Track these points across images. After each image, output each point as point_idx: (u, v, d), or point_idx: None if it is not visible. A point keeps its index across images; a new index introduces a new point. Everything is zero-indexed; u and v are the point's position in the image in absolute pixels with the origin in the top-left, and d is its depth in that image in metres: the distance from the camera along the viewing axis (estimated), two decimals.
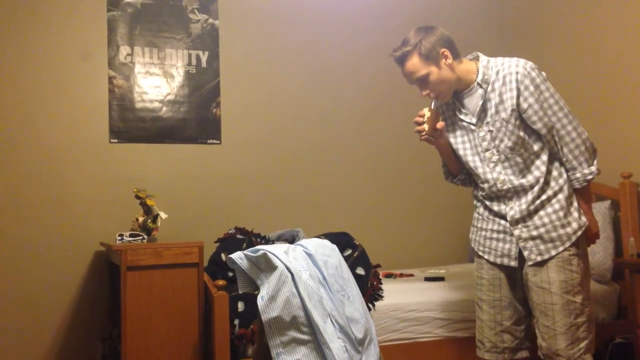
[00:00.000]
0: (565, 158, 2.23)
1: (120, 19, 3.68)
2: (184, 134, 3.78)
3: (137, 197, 3.17)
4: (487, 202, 2.35)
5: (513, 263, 2.28)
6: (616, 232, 3.41)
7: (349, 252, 3.16)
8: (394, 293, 3.06)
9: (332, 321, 2.52)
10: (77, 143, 3.56)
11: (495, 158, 2.28)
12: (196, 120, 3.81)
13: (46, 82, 3.53)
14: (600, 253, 3.36)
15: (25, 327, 3.38)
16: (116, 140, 3.64)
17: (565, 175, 2.25)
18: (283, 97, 4.02)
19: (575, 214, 2.23)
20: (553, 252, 2.21)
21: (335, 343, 2.46)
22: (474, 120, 2.29)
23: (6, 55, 3.46)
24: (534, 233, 2.24)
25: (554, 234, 2.21)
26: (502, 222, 2.31)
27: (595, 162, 2.24)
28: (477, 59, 2.32)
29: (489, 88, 2.25)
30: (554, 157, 2.26)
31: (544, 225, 2.22)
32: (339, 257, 2.84)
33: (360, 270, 3.09)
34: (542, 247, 2.23)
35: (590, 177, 2.23)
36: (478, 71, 2.28)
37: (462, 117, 2.33)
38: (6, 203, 3.41)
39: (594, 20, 3.73)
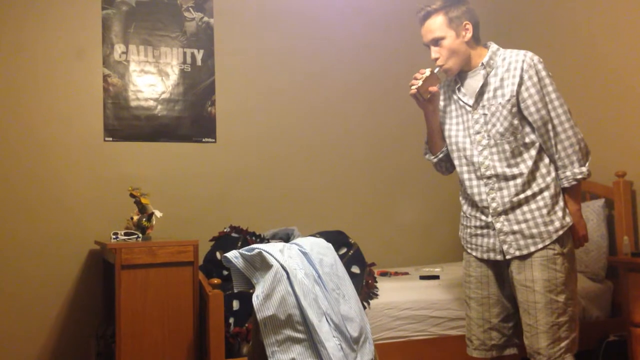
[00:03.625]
0: (557, 155, 2.23)
1: (115, 17, 3.67)
2: (179, 132, 3.77)
3: (132, 195, 3.16)
4: (469, 192, 2.34)
5: (499, 257, 2.29)
6: (610, 231, 3.42)
7: (344, 250, 3.17)
8: (389, 291, 3.07)
9: (327, 320, 2.52)
10: (72, 141, 3.55)
11: (484, 142, 2.28)
12: (191, 118, 3.80)
13: (41, 80, 3.51)
14: (594, 251, 3.37)
15: (20, 325, 3.37)
16: (111, 139, 3.63)
17: (553, 174, 2.25)
18: (278, 95, 4.02)
19: (560, 213, 2.22)
20: (532, 249, 2.21)
21: (330, 342, 2.46)
22: (470, 102, 2.31)
23: (0, 53, 3.44)
24: (515, 227, 2.24)
25: (534, 230, 2.21)
26: (483, 217, 2.31)
27: (587, 164, 2.24)
28: (488, 47, 2.34)
29: (492, 72, 2.26)
30: (543, 154, 2.26)
31: (525, 220, 2.23)
32: (334, 256, 2.85)
33: (355, 269, 3.09)
34: (521, 242, 2.23)
35: (579, 176, 2.22)
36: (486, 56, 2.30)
37: (460, 96, 2.35)
38: (2, 200, 3.40)
39: (589, 19, 3.74)
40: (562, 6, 3.94)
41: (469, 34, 2.28)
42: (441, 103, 2.44)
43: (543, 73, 2.22)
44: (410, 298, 3.03)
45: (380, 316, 2.94)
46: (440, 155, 2.48)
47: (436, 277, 3.36)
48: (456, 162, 2.39)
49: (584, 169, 2.23)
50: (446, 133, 2.42)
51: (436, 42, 2.29)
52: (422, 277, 3.38)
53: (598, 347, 3.14)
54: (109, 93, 3.63)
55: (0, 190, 3.41)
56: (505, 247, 2.26)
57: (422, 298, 3.04)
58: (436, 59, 2.31)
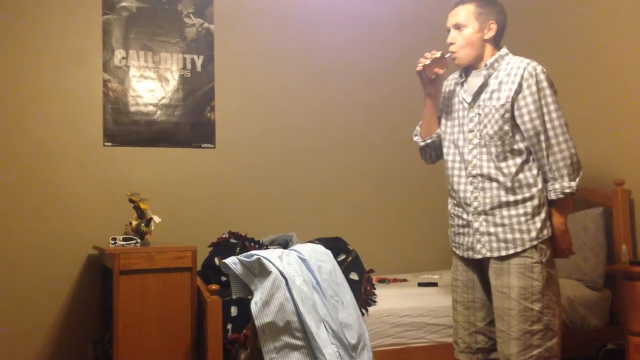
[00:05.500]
0: (548, 167, 2.22)
1: (115, 22, 3.67)
2: (178, 137, 3.78)
3: (131, 200, 3.16)
4: (455, 188, 2.35)
5: (477, 256, 2.30)
6: (608, 239, 3.42)
7: (342, 257, 3.17)
8: (387, 298, 3.07)
9: (325, 326, 2.52)
10: (71, 146, 3.55)
11: (475, 141, 2.30)
12: (190, 124, 3.80)
13: (41, 85, 3.51)
14: (592, 259, 3.37)
15: (17, 330, 3.36)
16: (110, 144, 3.63)
17: (540, 185, 2.24)
18: (277, 101, 4.02)
19: (538, 224, 2.22)
20: (503, 253, 2.22)
21: (328, 348, 2.46)
22: (468, 99, 2.33)
23: (1, 58, 3.45)
24: (491, 229, 2.25)
25: (509, 236, 2.23)
26: (465, 215, 2.33)
27: (577, 180, 2.22)
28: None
29: (494, 74, 2.28)
30: (532, 165, 2.26)
31: (502, 225, 2.24)
32: (332, 263, 2.85)
33: (353, 276, 3.09)
34: (494, 244, 2.25)
35: (567, 190, 2.21)
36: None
37: (461, 92, 2.36)
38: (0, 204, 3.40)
39: (590, 26, 3.75)
40: (565, 12, 3.95)
41: (491, 34, 2.31)
42: (445, 96, 2.46)
43: (544, 84, 2.23)
44: (409, 305, 3.02)
45: (378, 323, 2.94)
46: (428, 141, 2.50)
47: (434, 284, 3.36)
48: (449, 158, 2.40)
49: (572, 183, 2.22)
50: (442, 128, 2.44)
51: (458, 27, 2.32)
52: (421, 284, 3.38)
53: (596, 356, 3.14)
54: (108, 98, 3.64)
55: (0, 194, 3.41)
56: (478, 246, 2.28)
57: (421, 305, 3.04)
58: (451, 44, 2.33)
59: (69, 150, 3.55)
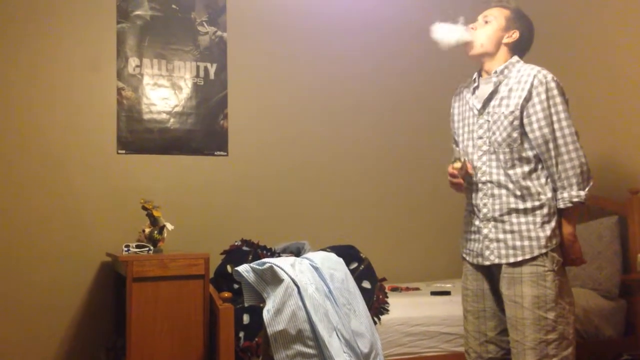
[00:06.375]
0: (557, 175, 2.21)
1: (129, 31, 3.70)
2: (191, 145, 3.79)
3: (144, 208, 3.17)
4: (467, 194, 2.37)
5: (486, 262, 2.29)
6: (624, 248, 3.39)
7: (355, 265, 3.16)
8: (400, 307, 3.05)
9: (337, 335, 2.51)
10: (85, 153, 3.58)
11: (485, 148, 2.30)
12: (203, 131, 3.82)
13: (55, 92, 3.55)
14: (607, 269, 3.34)
15: (30, 336, 3.38)
16: (124, 151, 3.65)
17: (549, 194, 2.23)
18: (290, 109, 4.03)
19: (548, 232, 2.20)
20: (511, 260, 2.21)
21: (340, 357, 2.45)
22: (478, 106, 2.33)
23: (17, 65, 3.49)
24: (500, 236, 2.24)
25: (517, 243, 2.21)
26: (476, 222, 2.32)
27: (586, 189, 2.20)
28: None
29: (504, 81, 2.27)
30: (540, 173, 2.25)
31: (512, 231, 2.23)
32: (345, 271, 2.84)
33: (366, 284, 3.08)
34: (502, 251, 2.24)
35: (576, 199, 2.19)
36: None
37: (473, 98, 2.36)
38: (14, 212, 3.42)
39: (605, 33, 3.73)
40: (579, 20, 3.94)
41: (511, 40, 2.33)
42: (457, 104, 2.47)
43: (555, 92, 2.22)
44: (422, 314, 3.01)
45: (391, 332, 2.93)
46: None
47: (447, 293, 3.34)
48: None
49: (582, 192, 2.20)
50: (457, 138, 2.45)
51: (486, 21, 2.36)
52: (434, 293, 3.37)
53: None
54: (122, 106, 3.66)
55: (14, 200, 3.43)
56: (487, 252, 2.28)
57: (434, 314, 3.02)
58: (472, 28, 2.36)
59: (83, 158, 3.57)
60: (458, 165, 2.31)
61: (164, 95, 3.75)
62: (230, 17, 3.93)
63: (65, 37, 3.58)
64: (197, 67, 3.84)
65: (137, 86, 3.70)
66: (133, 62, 3.70)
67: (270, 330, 2.43)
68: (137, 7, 3.73)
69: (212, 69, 3.87)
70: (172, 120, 3.76)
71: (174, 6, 3.80)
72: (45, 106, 3.53)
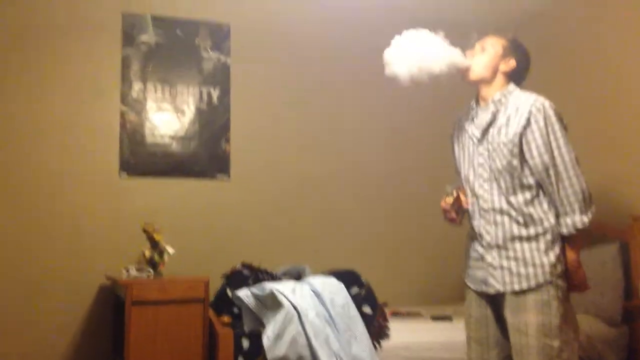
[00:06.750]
0: (560, 202, 2.21)
1: (134, 56, 3.75)
2: (194, 168, 3.81)
3: (145, 231, 3.18)
4: (470, 222, 2.36)
5: (491, 290, 2.27)
6: (626, 274, 3.37)
7: (355, 289, 3.14)
8: (400, 332, 3.03)
9: None
10: (87, 176, 3.60)
11: (485, 175, 2.30)
12: (206, 155, 3.84)
13: (59, 115, 3.58)
14: (610, 295, 3.32)
15: (30, 356, 3.36)
16: (126, 174, 3.67)
17: (552, 220, 2.22)
18: (292, 134, 4.06)
19: (552, 259, 2.19)
20: (516, 287, 2.19)
21: None
22: (478, 135, 2.33)
23: (23, 88, 3.53)
24: (504, 263, 2.23)
25: (522, 270, 2.20)
26: (480, 249, 2.31)
27: (589, 215, 2.20)
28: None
29: (502, 110, 2.29)
30: (542, 200, 2.25)
31: (515, 259, 2.22)
32: (345, 296, 2.83)
33: (366, 309, 3.06)
34: (507, 278, 2.22)
35: (580, 225, 2.19)
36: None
37: (472, 127, 2.37)
38: (15, 232, 3.43)
39: (606, 59, 3.76)
40: (578, 50, 3.97)
41: (507, 68, 2.35)
42: (457, 132, 2.48)
43: (553, 119, 2.23)
44: (422, 339, 2.98)
45: (391, 357, 2.90)
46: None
47: (449, 318, 3.32)
48: (467, 193, 2.41)
49: (585, 218, 2.19)
50: (458, 166, 2.45)
51: (483, 48, 2.37)
52: (435, 318, 3.34)
53: None
54: (125, 129, 3.69)
55: (15, 221, 3.44)
56: (491, 280, 2.26)
57: (435, 339, 2.99)
58: (470, 55, 2.37)
59: (85, 180, 3.59)
60: (450, 200, 2.33)
61: (167, 119, 3.78)
62: (233, 43, 3.97)
63: (70, 61, 3.63)
64: (201, 92, 3.88)
65: (140, 110, 3.73)
66: (137, 86, 3.74)
67: (270, 355, 2.41)
68: (143, 33, 3.78)
69: (215, 94, 3.91)
70: (174, 143, 3.79)
71: (178, 32, 3.86)
72: (49, 128, 3.56)
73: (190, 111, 3.84)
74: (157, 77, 3.79)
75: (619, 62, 3.65)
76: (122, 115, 3.69)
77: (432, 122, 4.16)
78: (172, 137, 3.79)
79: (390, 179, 4.23)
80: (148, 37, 3.79)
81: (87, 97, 3.64)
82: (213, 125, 3.88)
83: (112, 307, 3.51)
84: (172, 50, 3.84)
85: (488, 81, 2.36)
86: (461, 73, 2.38)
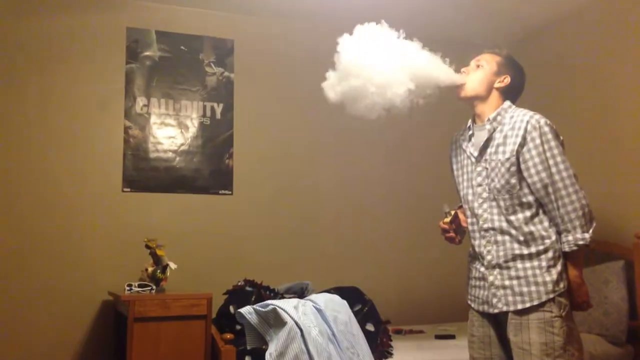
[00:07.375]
0: (560, 219, 2.20)
1: (138, 71, 3.76)
2: (197, 184, 3.81)
3: (147, 246, 3.17)
4: (471, 242, 2.36)
5: (493, 310, 2.26)
6: (631, 293, 3.35)
7: (358, 307, 3.13)
8: (403, 350, 3.01)
9: None
10: (90, 191, 3.60)
11: (485, 195, 2.29)
12: (209, 170, 3.84)
13: (63, 129, 3.59)
14: (614, 314, 3.29)
15: None
16: (129, 189, 3.67)
17: (554, 237, 2.21)
18: (295, 149, 4.06)
19: (555, 277, 2.18)
20: (519, 306, 2.18)
21: None
22: (475, 154, 2.33)
23: (27, 103, 3.54)
24: (507, 282, 2.22)
25: (525, 289, 2.19)
26: (481, 269, 2.30)
27: (590, 231, 2.19)
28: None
29: (498, 128, 2.29)
30: (543, 217, 2.24)
31: (518, 277, 2.20)
32: (348, 313, 2.82)
33: (369, 326, 3.04)
34: (510, 298, 2.21)
35: (581, 242, 2.18)
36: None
37: (469, 146, 2.37)
38: (18, 248, 3.42)
39: (605, 76, 3.77)
40: (577, 69, 3.99)
41: (502, 85, 2.34)
42: (454, 152, 2.47)
43: (549, 136, 2.22)
44: (426, 358, 2.96)
45: None
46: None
47: (452, 337, 3.30)
48: (467, 213, 2.41)
49: (586, 235, 2.18)
50: (457, 186, 2.45)
51: (478, 65, 2.37)
52: (438, 337, 3.32)
53: None
54: (129, 144, 3.70)
55: (18, 237, 3.44)
56: (494, 300, 2.25)
57: (438, 358, 2.97)
58: (464, 72, 2.36)
59: (88, 195, 3.59)
60: (447, 219, 2.33)
61: (171, 134, 3.79)
62: (237, 58, 3.99)
63: (74, 76, 3.64)
64: (204, 107, 3.88)
65: (144, 125, 3.74)
66: (141, 101, 3.75)
67: None
68: (147, 48, 3.80)
69: (218, 109, 3.91)
70: (178, 159, 3.79)
71: (182, 47, 3.87)
72: (53, 143, 3.56)
73: (193, 126, 3.85)
74: (161, 92, 3.80)
75: (620, 79, 3.66)
76: (126, 130, 3.70)
77: (435, 145, 4.15)
78: (176, 152, 3.79)
79: (395, 196, 4.22)
80: (152, 52, 3.81)
81: (90, 112, 3.65)
82: (216, 140, 3.88)
83: (114, 322, 3.49)
84: (176, 65, 3.85)
85: (483, 98, 2.35)
86: (456, 90, 2.38)
